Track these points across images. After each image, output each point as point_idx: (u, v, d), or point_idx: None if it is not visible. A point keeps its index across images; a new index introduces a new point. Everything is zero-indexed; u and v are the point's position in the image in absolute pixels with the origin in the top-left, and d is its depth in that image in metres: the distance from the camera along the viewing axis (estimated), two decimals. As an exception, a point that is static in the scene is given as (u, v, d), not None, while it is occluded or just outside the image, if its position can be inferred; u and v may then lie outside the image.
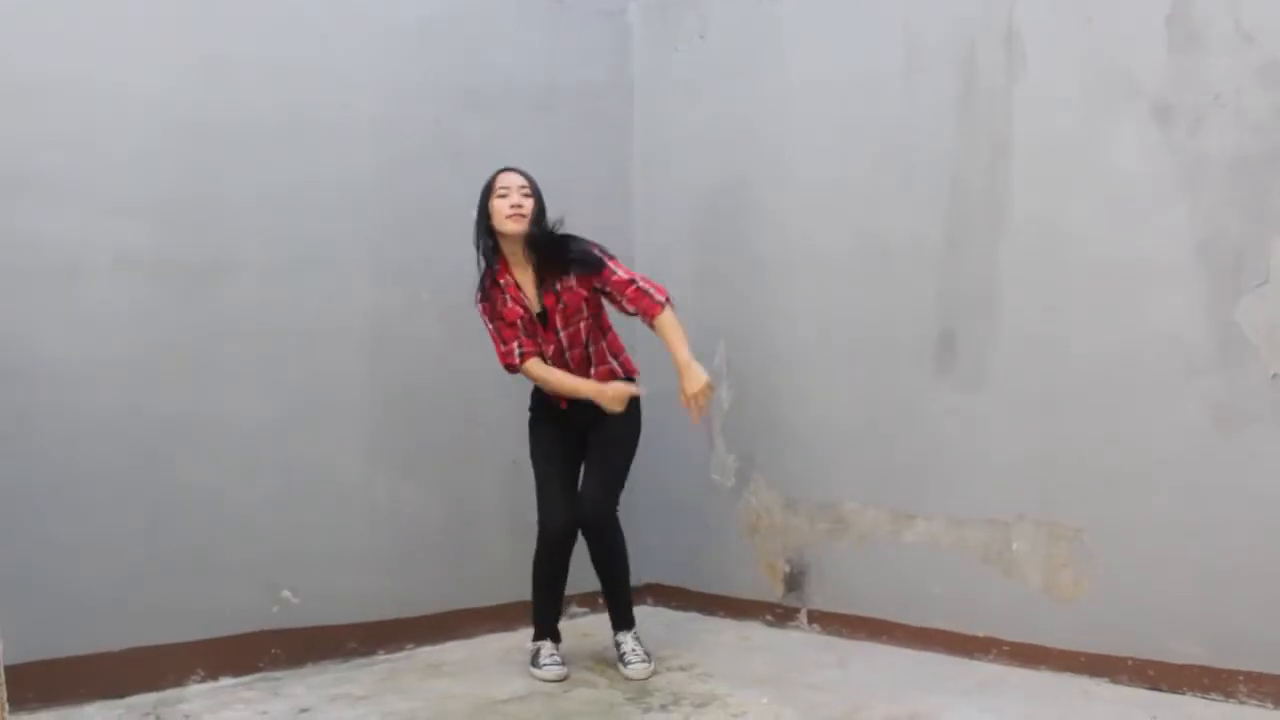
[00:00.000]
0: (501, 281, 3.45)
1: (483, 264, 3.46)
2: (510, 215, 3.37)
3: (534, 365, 3.46)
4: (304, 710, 3.14)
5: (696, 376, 3.34)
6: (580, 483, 3.57)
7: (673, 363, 3.38)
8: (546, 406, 3.58)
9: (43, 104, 3.19)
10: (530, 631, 3.62)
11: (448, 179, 3.94)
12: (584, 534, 3.53)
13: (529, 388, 3.60)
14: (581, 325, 3.49)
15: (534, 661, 3.51)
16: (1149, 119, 3.19)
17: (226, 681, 3.40)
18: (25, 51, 3.17)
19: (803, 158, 3.97)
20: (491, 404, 4.00)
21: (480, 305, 3.46)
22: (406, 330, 3.87)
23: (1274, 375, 2.98)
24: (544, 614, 3.58)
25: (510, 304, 3.45)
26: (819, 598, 3.94)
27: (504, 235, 3.42)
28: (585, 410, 3.49)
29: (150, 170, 3.37)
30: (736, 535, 4.17)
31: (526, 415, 3.62)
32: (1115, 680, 3.24)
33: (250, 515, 3.51)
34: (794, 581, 4.01)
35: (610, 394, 3.45)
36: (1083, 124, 3.31)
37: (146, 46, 3.36)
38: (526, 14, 4.21)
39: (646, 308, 3.40)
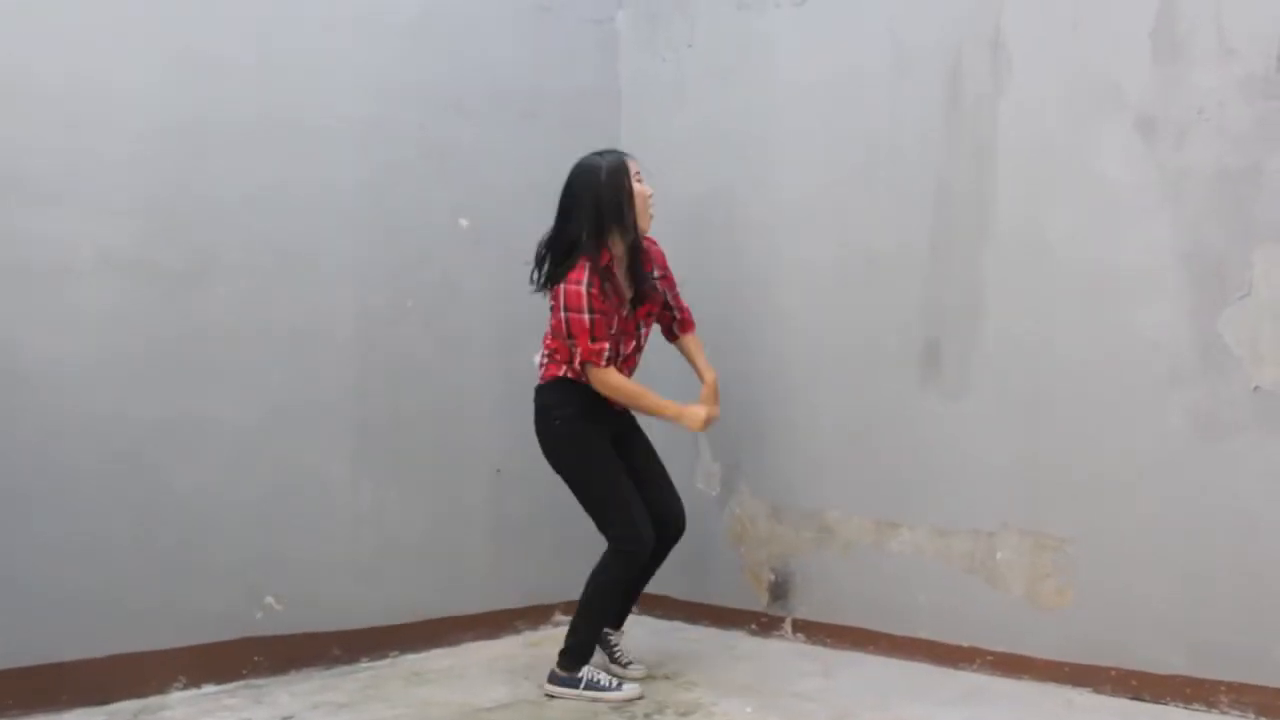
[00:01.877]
0: (611, 270, 3.32)
1: (584, 249, 3.28)
2: (649, 208, 3.36)
3: (614, 372, 3.29)
4: (287, 718, 3.13)
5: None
6: (656, 499, 3.47)
7: (704, 379, 3.54)
8: (593, 413, 3.38)
9: (27, 102, 3.16)
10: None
11: (433, 183, 3.94)
12: (665, 546, 3.49)
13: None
14: (646, 330, 3.49)
15: (600, 685, 3.31)
16: (1134, 131, 3.21)
17: (209, 689, 3.38)
18: (8, 49, 3.13)
19: (789, 165, 3.98)
20: (476, 410, 3.99)
21: (587, 290, 3.23)
22: (392, 336, 3.85)
23: (1256, 387, 3.00)
24: (598, 636, 3.47)
25: (613, 295, 3.31)
26: (804, 607, 3.94)
27: (630, 226, 3.32)
28: (620, 417, 3.48)
29: (136, 170, 3.33)
30: (721, 544, 4.17)
31: (554, 424, 3.40)
32: (1098, 690, 3.25)
33: (234, 520, 3.49)
34: (779, 590, 4.01)
35: (701, 416, 3.35)
36: (1068, 132, 3.33)
37: (132, 44, 3.32)
38: (514, 20, 4.20)
39: (689, 319, 3.60)
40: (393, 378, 3.85)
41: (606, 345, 3.25)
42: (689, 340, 3.61)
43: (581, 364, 3.28)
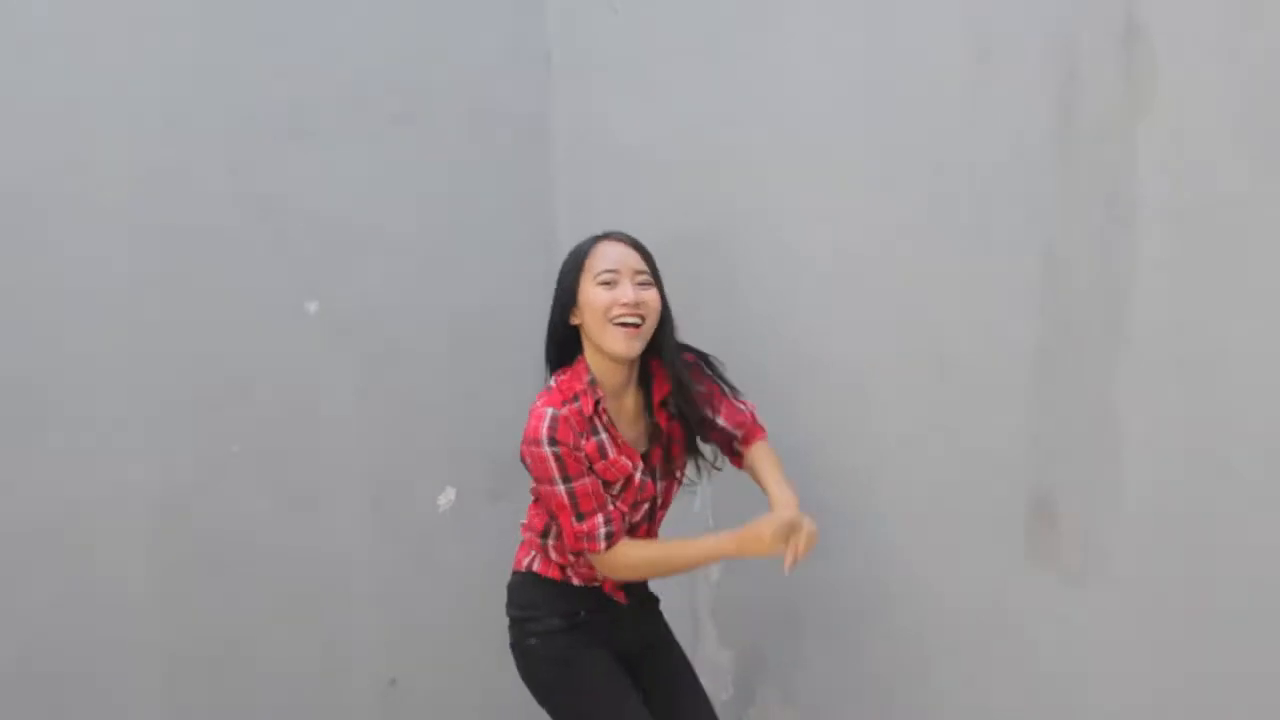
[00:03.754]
0: (598, 421, 2.36)
1: (550, 378, 2.41)
2: (619, 321, 2.33)
3: (627, 551, 2.33)
4: None
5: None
6: None
7: (775, 501, 2.35)
8: (590, 624, 2.43)
9: None
10: None
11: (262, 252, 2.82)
12: None
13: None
14: (676, 476, 2.51)
15: None
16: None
17: None
18: None
19: (827, 215, 2.71)
20: (353, 592, 3.07)
21: (550, 448, 2.29)
22: (208, 505, 2.81)
23: None
24: None
25: (614, 455, 2.36)
26: None
27: (601, 350, 2.37)
28: (638, 619, 2.50)
29: None
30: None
31: (528, 644, 2.44)
32: None
33: None
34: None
35: (768, 532, 2.22)
36: (1254, 175, 2.01)
37: None
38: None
39: (753, 424, 2.53)
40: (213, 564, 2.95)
41: (601, 519, 2.30)
42: (756, 452, 2.50)
43: (573, 554, 2.36)
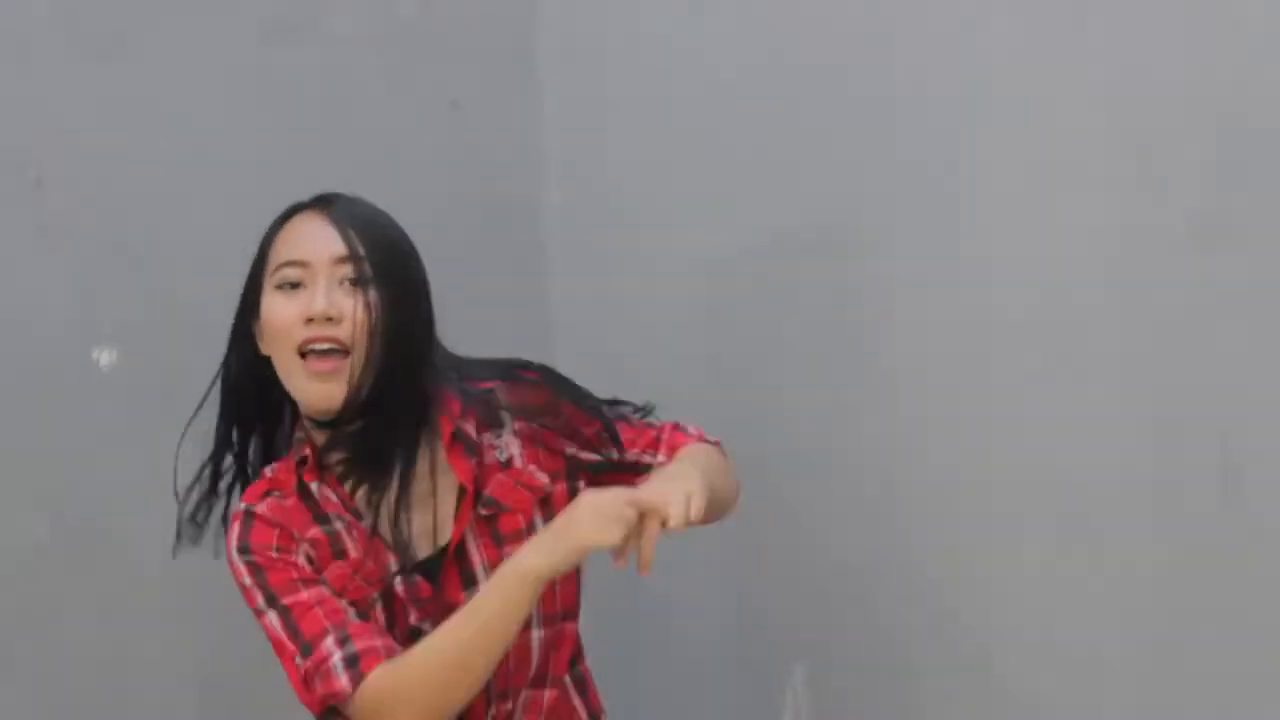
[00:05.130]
0: (315, 492, 1.62)
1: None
2: (311, 363, 1.54)
3: (383, 678, 1.50)
4: None
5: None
6: None
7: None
8: None
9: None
10: None
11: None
12: None
13: None
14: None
15: None
16: None
17: None
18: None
19: (1016, 214, 1.77)
20: None
21: (245, 559, 1.57)
22: None
23: None
24: None
25: (341, 552, 1.62)
26: None
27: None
28: None
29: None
30: None
31: None
32: None
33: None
34: None
35: (608, 512, 1.49)
36: None
37: None
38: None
39: (675, 434, 1.73)
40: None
41: (331, 641, 1.51)
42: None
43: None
